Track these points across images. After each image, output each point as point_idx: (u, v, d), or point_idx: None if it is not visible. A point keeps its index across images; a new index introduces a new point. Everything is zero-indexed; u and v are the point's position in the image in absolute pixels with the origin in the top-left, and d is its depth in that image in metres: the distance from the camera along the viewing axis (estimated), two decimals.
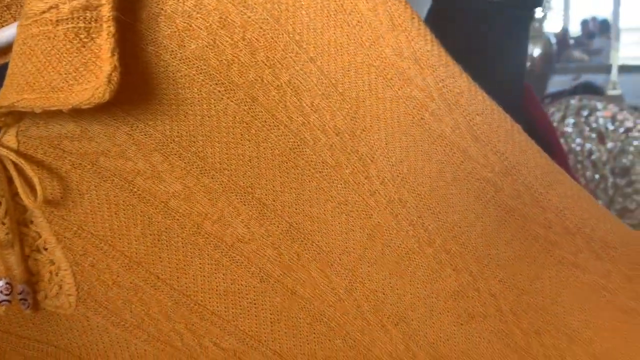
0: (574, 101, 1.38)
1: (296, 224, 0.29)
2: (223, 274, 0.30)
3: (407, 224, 0.29)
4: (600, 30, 3.00)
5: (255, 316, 0.31)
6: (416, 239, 0.30)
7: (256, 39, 0.27)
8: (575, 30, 3.01)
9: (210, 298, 0.30)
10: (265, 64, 0.28)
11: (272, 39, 0.27)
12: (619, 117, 1.43)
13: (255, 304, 0.31)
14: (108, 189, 0.28)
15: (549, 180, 0.30)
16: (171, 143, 0.27)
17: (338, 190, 0.29)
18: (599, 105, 1.40)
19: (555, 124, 1.36)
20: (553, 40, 2.90)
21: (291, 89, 0.28)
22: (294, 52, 0.28)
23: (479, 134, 0.29)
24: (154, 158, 0.27)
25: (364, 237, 0.30)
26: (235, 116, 0.27)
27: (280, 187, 0.29)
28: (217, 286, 0.30)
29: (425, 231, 0.30)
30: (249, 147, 0.28)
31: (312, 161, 0.28)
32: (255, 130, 0.27)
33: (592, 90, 1.60)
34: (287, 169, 0.28)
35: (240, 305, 0.31)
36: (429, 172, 0.29)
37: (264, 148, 0.28)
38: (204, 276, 0.30)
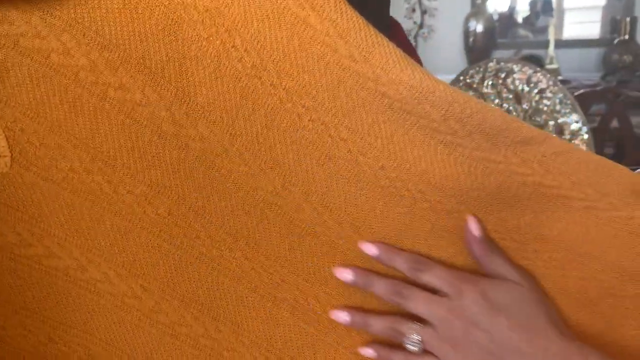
0: (492, 64, 1.49)
1: (182, 88, 0.38)
2: (128, 133, 0.38)
3: (269, 84, 0.38)
4: (544, 10, 3.18)
5: (159, 167, 0.39)
6: (278, 97, 0.38)
7: None
8: (524, 10, 3.20)
9: (120, 153, 0.38)
10: None
11: None
12: (533, 79, 1.55)
13: (157, 157, 0.39)
14: (29, 64, 0.36)
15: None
16: (76, 24, 0.35)
17: (212, 59, 0.37)
18: (515, 67, 1.52)
19: (475, 86, 1.47)
20: (496, 17, 3.09)
21: None
22: None
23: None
24: (64, 37, 0.36)
25: (237, 97, 0.38)
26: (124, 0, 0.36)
27: (166, 58, 0.37)
28: (125, 143, 0.38)
29: (285, 90, 0.38)
30: (138, 24, 0.36)
31: (188, 35, 0.37)
32: (142, 10, 0.36)
33: (533, 64, 1.73)
34: (169, 41, 0.37)
35: (146, 159, 0.39)
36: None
37: (149, 25, 0.36)
38: (113, 135, 0.38)
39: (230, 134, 0.39)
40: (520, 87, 1.52)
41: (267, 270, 0.42)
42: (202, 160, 0.39)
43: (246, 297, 0.43)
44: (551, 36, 2.80)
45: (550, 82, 1.57)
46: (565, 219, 0.40)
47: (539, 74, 1.52)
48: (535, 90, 1.52)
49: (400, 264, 0.40)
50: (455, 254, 0.42)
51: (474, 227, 0.40)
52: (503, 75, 1.52)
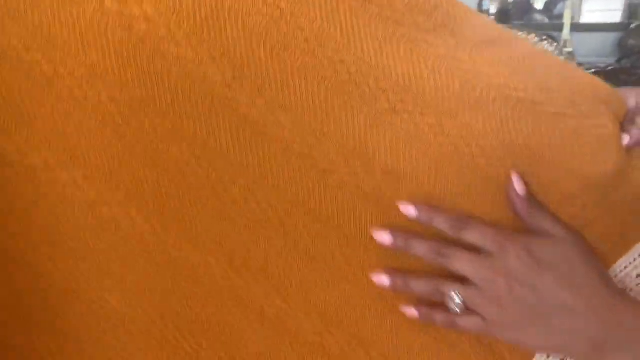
0: None
1: None
2: None
3: None
4: None
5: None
6: None
7: None
8: None
9: None
10: None
11: None
12: (538, 47, 1.51)
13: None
14: None
15: None
16: None
17: None
18: (520, 34, 1.48)
19: None
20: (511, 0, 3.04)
21: None
22: None
23: None
24: None
25: None
26: None
27: None
28: None
29: None
30: None
31: None
32: None
33: None
34: None
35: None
36: None
37: None
38: None
39: None
40: None
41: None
42: None
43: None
44: (566, 19, 2.74)
45: (556, 52, 1.53)
46: (533, 125, 0.38)
47: (544, 43, 1.48)
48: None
49: (441, 222, 0.39)
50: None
51: (518, 185, 0.38)
52: None
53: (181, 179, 0.40)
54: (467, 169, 0.39)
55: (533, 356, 0.45)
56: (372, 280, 0.42)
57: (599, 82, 0.41)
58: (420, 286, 0.40)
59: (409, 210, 0.39)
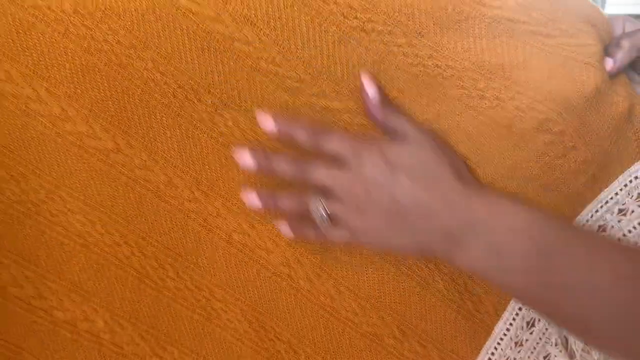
0: None
1: None
2: None
3: None
4: None
5: None
6: None
7: None
8: None
9: None
10: None
11: None
12: None
13: None
14: None
15: None
16: None
17: None
18: None
19: None
20: None
21: None
22: None
23: None
24: None
25: None
26: None
27: None
28: None
29: None
30: None
31: None
32: None
33: None
34: None
35: None
36: None
37: None
38: None
39: None
40: None
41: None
42: None
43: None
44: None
45: None
46: (508, 44, 0.36)
47: None
48: None
49: (300, 134, 0.38)
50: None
51: (369, 89, 0.37)
52: None
53: (146, 96, 0.39)
54: (438, 91, 0.38)
55: (509, 297, 0.43)
56: None
57: (587, 2, 0.39)
58: (287, 203, 0.40)
59: (267, 123, 0.38)
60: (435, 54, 0.37)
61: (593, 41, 0.37)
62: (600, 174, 0.40)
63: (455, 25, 0.36)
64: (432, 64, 0.37)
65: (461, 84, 0.37)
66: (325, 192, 0.38)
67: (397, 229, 0.37)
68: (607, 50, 0.39)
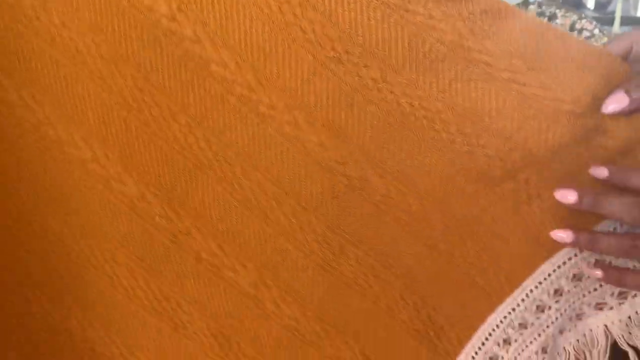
0: (532, 7, 1.40)
1: None
2: None
3: None
4: None
5: None
6: None
7: None
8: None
9: None
10: None
11: None
12: (577, 25, 1.44)
13: None
14: None
15: None
16: None
17: None
18: (558, 12, 1.41)
19: None
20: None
21: None
22: None
23: None
24: None
25: None
26: None
27: None
28: None
29: None
30: None
31: None
32: None
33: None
34: None
35: None
36: None
37: None
38: None
39: None
40: None
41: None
42: None
43: None
44: (617, 12, 2.57)
45: (596, 30, 1.45)
46: (482, 89, 0.36)
47: (583, 21, 1.41)
48: (580, 38, 1.41)
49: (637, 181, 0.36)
50: None
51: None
52: (544, 20, 1.42)
53: (124, 112, 0.39)
54: (410, 130, 0.38)
55: (474, 329, 0.43)
56: (310, 236, 0.41)
57: (584, 46, 0.37)
58: (611, 244, 0.37)
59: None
60: (409, 92, 0.37)
61: (577, 91, 0.36)
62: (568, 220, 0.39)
63: (432, 65, 0.36)
64: (406, 102, 0.37)
65: (433, 125, 0.37)
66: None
67: None
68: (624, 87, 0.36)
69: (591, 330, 0.42)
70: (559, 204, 0.38)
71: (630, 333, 0.41)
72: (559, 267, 0.41)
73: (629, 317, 0.41)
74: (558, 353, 0.43)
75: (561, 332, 0.43)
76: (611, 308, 0.42)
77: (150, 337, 0.44)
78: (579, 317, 0.43)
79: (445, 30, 0.35)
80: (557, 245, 0.39)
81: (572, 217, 0.39)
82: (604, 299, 0.41)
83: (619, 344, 0.42)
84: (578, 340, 0.43)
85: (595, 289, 0.41)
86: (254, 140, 0.39)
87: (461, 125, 0.37)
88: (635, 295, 0.41)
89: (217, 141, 0.39)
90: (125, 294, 0.43)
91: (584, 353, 0.42)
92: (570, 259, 0.41)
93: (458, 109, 0.36)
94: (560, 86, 0.35)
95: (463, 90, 0.36)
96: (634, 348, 0.42)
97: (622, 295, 0.41)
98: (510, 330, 0.43)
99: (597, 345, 0.42)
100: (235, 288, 0.43)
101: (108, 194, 0.41)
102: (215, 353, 0.44)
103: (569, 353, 0.43)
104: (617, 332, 0.41)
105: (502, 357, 0.43)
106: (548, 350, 0.43)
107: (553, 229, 0.38)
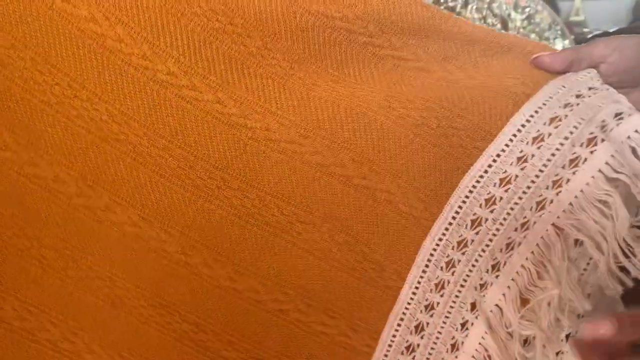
0: None
1: None
2: None
3: None
4: None
5: None
6: None
7: None
8: None
9: None
10: None
11: None
12: (521, 3, 1.47)
13: None
14: None
15: None
16: None
17: None
18: None
19: (458, 9, 1.42)
20: None
21: None
22: None
23: None
24: None
25: None
26: None
27: None
28: None
29: None
30: None
31: None
32: None
33: None
34: None
35: None
36: None
37: None
38: None
39: None
40: (506, 12, 1.44)
41: None
42: None
43: None
44: None
45: (539, 7, 1.48)
46: (346, 50, 0.42)
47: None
48: (523, 16, 1.44)
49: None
50: None
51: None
52: (488, 0, 1.45)
53: (28, 95, 0.41)
54: (290, 91, 0.41)
55: (412, 259, 0.44)
56: (228, 192, 0.42)
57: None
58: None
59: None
60: (288, 57, 0.42)
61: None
62: None
63: (303, 33, 0.41)
64: (286, 64, 0.41)
65: (306, 83, 0.42)
66: None
67: None
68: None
69: (542, 237, 0.40)
70: None
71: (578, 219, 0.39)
72: (485, 172, 0.41)
73: (570, 204, 0.40)
74: (518, 272, 0.41)
75: (511, 247, 0.41)
76: (551, 202, 0.40)
77: (90, 317, 0.45)
78: (524, 226, 0.41)
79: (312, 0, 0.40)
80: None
81: None
82: (541, 195, 0.40)
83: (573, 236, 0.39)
84: (533, 252, 0.40)
85: (528, 187, 0.40)
86: (156, 108, 0.41)
87: (330, 92, 0.39)
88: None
89: (120, 113, 0.41)
90: (57, 276, 0.44)
91: (542, 265, 0.40)
92: (494, 161, 0.41)
93: (327, 75, 0.41)
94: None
95: (330, 53, 0.42)
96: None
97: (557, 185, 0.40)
98: (450, 251, 0.42)
99: (554, 248, 0.39)
100: (165, 257, 0.44)
101: (24, 180, 0.42)
102: (157, 322, 0.45)
103: (530, 270, 0.40)
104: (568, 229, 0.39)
105: (449, 281, 0.43)
106: (501, 268, 0.41)
107: None
